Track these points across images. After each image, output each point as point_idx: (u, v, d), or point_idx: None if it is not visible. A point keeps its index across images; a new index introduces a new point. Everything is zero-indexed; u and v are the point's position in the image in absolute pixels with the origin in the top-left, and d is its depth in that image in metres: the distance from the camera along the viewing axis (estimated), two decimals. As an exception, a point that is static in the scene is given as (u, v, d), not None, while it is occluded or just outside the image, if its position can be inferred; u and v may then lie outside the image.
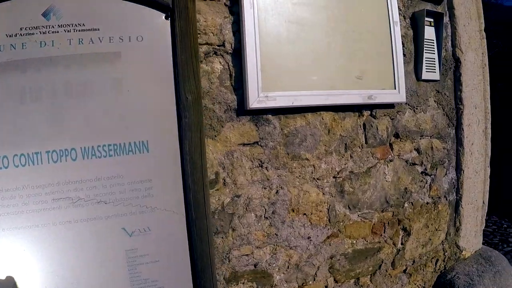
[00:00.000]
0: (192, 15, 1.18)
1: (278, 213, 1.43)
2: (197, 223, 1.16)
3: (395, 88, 1.63)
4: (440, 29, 1.79)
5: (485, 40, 2.02)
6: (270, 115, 1.40)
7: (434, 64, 1.80)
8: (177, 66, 1.14)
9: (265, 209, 1.41)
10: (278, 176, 1.43)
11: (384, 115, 1.65)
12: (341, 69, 1.51)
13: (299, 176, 1.47)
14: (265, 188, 1.41)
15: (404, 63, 1.70)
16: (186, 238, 1.15)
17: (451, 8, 1.89)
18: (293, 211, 1.47)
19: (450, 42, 1.89)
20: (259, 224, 1.40)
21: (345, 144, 1.56)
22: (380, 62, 1.61)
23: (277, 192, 1.43)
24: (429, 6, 1.82)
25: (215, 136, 1.31)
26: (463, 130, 1.87)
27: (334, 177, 1.54)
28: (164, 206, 1.13)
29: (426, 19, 1.77)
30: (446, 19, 1.89)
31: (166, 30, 1.15)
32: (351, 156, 1.58)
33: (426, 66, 1.76)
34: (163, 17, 1.15)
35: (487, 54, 2.01)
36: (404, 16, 1.73)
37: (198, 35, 1.23)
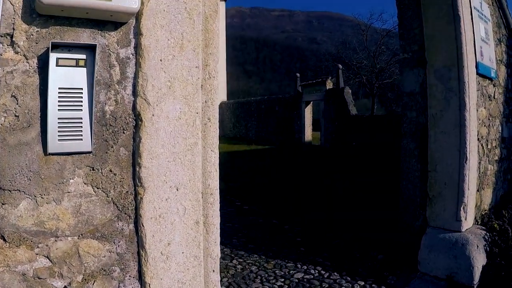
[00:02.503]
0: None
1: None
2: None
3: (-36, 175, 1.05)
4: (91, 70, 1.14)
5: (215, 81, 1.30)
6: None
7: (81, 126, 1.16)
8: None
9: None
10: None
11: (-39, 212, 1.08)
12: None
13: None
14: None
15: (15, 130, 1.10)
16: None
17: (138, 34, 1.21)
18: None
19: (131, 88, 1.22)
20: None
21: None
22: None
23: None
24: (86, 36, 1.17)
25: None
26: (143, 225, 1.21)
27: None
28: None
29: (69, 56, 1.13)
30: (128, 51, 1.22)
31: None
32: None
33: (61, 131, 1.13)
34: None
35: (217, 102, 1.30)
36: (25, 56, 1.11)
37: None
